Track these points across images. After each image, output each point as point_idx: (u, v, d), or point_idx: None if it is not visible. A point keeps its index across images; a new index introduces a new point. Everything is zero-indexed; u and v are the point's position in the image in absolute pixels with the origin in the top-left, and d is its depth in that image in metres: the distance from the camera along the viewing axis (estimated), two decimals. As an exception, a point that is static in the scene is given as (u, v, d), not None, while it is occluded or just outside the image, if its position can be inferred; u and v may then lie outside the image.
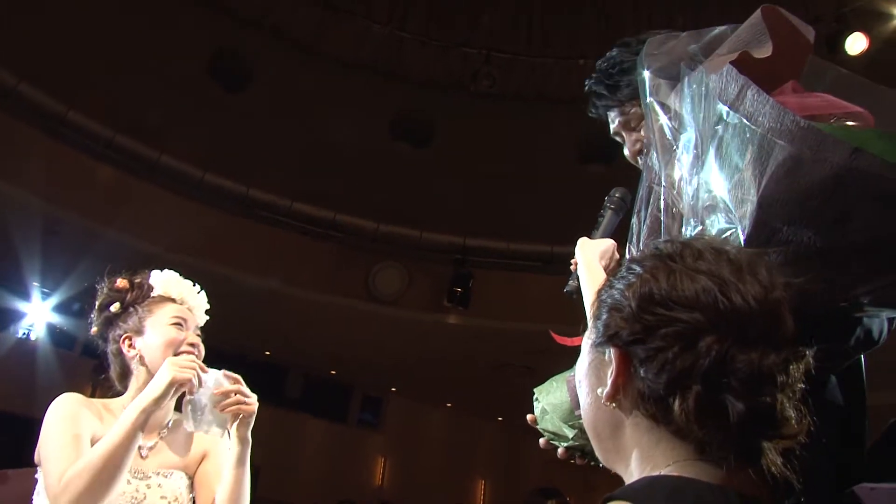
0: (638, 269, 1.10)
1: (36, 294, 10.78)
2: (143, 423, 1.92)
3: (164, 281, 2.24)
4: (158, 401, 1.94)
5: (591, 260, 1.79)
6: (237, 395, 2.02)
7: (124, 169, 9.76)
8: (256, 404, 2.07)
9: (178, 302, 2.21)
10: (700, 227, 1.41)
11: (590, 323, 1.19)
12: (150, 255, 9.23)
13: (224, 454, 2.11)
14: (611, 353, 1.09)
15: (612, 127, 2.02)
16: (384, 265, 10.98)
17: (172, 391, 1.98)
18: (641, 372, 1.04)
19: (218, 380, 2.03)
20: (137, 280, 2.25)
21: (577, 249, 1.84)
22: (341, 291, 10.85)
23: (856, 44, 8.37)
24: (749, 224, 1.27)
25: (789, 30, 1.45)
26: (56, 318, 11.14)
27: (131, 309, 2.18)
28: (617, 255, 1.84)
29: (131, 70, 9.53)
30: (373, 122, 10.45)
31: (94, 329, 2.22)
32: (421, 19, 10.09)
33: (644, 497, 1.00)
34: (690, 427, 1.00)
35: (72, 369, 10.80)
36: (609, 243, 1.86)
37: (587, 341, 1.18)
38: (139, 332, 2.15)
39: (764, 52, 1.38)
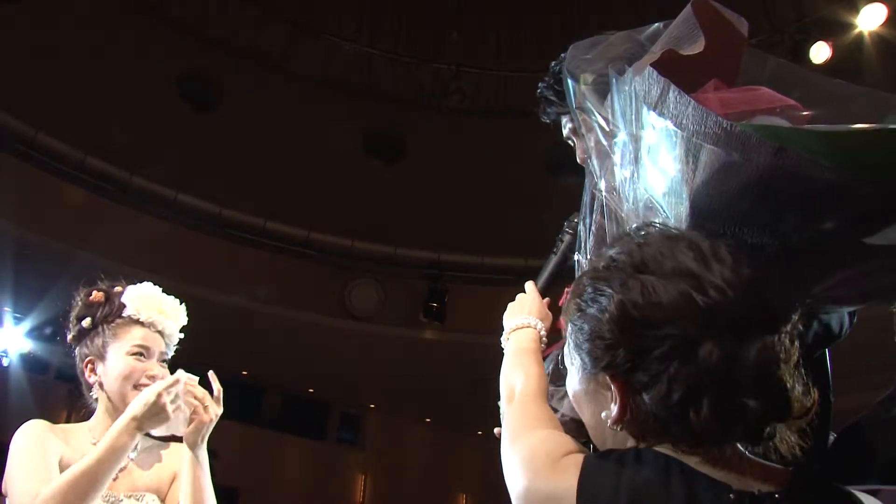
0: (606, 288, 1.06)
1: (8, 319, 10.63)
2: (126, 444, 1.90)
3: (135, 300, 2.16)
4: (139, 420, 1.92)
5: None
6: (196, 399, 2.03)
7: (95, 191, 9.69)
8: (215, 416, 2.05)
9: (145, 325, 2.14)
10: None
11: (568, 347, 1.16)
12: (124, 277, 9.12)
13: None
14: (606, 379, 1.06)
15: (564, 132, 1.99)
16: (359, 282, 10.98)
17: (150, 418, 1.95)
18: (647, 398, 1.02)
19: (184, 381, 2.03)
20: (115, 290, 2.20)
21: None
22: (317, 309, 10.83)
23: (819, 53, 8.49)
24: (684, 228, 1.24)
25: (722, 23, 1.43)
26: (29, 343, 10.99)
27: (100, 328, 2.14)
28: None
29: (100, 91, 9.47)
30: (344, 139, 10.44)
31: (69, 338, 2.19)
32: (389, 36, 10.11)
33: (607, 455, 1.03)
34: (707, 432, 0.99)
35: (45, 394, 10.67)
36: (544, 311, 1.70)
37: (574, 369, 1.15)
38: (101, 357, 2.11)
39: (697, 47, 1.35)
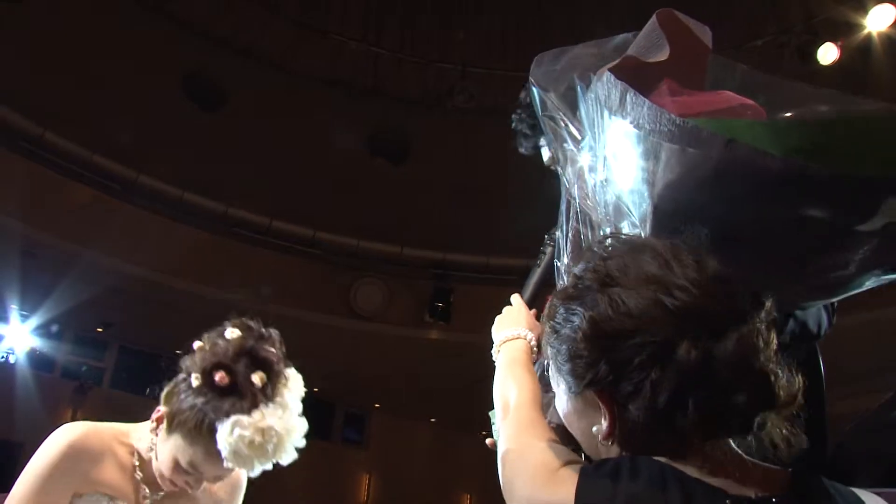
0: (577, 307, 1.07)
1: (14, 316, 10.68)
2: None
3: (225, 440, 1.69)
4: None
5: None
6: None
7: (102, 189, 9.72)
8: None
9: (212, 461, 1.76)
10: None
11: (552, 370, 1.17)
12: (130, 275, 9.18)
13: None
14: (593, 396, 1.06)
15: (545, 160, 2.01)
16: (365, 281, 10.99)
17: None
18: (633, 408, 1.02)
19: None
20: (248, 379, 1.79)
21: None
22: (323, 308, 10.83)
23: (827, 54, 8.47)
24: (649, 227, 1.27)
25: (686, 33, 1.45)
26: (35, 341, 11.03)
27: (194, 400, 1.75)
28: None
29: (106, 91, 9.49)
30: (350, 139, 10.45)
31: (168, 383, 1.85)
32: (395, 36, 10.13)
33: (603, 465, 1.02)
34: (697, 432, 0.99)
35: (51, 392, 10.70)
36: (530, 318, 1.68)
37: (561, 391, 1.15)
38: (168, 427, 1.79)
39: (661, 56, 1.38)
